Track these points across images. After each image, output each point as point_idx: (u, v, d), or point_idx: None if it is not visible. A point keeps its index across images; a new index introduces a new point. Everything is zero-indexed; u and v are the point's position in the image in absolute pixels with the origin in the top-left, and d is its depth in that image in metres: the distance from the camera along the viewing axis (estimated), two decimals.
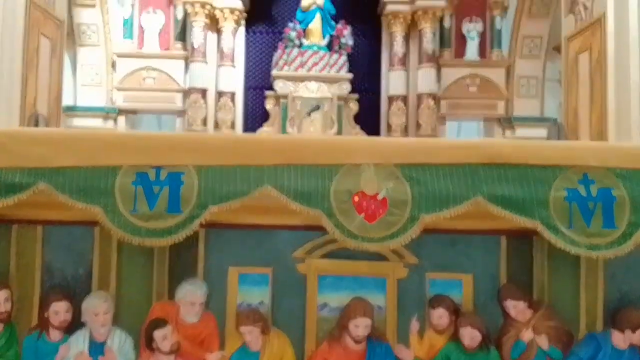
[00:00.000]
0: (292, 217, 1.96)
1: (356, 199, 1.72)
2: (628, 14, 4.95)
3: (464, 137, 9.42)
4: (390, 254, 2.09)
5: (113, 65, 8.02)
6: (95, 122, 7.90)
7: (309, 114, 6.24)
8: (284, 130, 7.97)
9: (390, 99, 8.29)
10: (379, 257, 2.10)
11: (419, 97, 8.14)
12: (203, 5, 7.82)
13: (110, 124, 8.00)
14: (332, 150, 1.65)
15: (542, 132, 7.96)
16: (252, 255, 2.23)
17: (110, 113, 7.99)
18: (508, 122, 8.27)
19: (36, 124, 3.97)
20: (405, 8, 8.08)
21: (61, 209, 1.91)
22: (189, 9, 7.86)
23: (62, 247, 2.24)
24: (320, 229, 1.93)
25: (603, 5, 5.21)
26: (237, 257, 2.24)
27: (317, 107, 6.47)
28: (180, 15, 8.12)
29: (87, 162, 1.73)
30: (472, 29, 8.40)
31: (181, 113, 8.15)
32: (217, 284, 2.23)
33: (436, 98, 8.17)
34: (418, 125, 8.11)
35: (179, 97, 8.10)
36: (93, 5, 7.70)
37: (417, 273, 2.17)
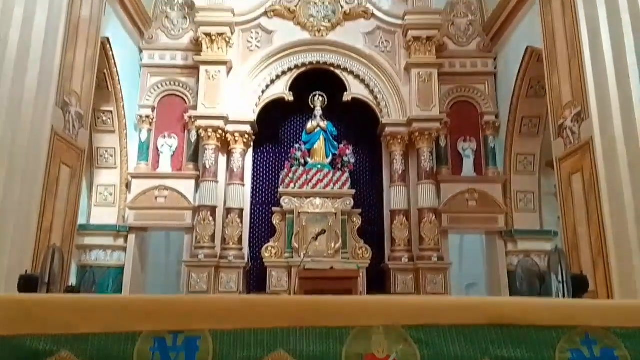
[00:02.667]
0: None
1: None
2: (615, 139, 5.20)
3: (466, 249, 9.55)
4: None
5: (127, 185, 8.38)
6: (107, 241, 8.07)
7: (315, 238, 6.45)
8: (289, 245, 8.13)
9: (393, 213, 8.52)
10: None
11: (420, 212, 8.37)
12: (215, 130, 8.36)
13: (120, 241, 8.17)
14: (344, 311, 1.73)
15: (543, 245, 8.07)
16: None
17: (121, 231, 8.19)
18: (509, 235, 8.41)
19: (52, 258, 4.09)
20: (402, 130, 8.61)
21: None
22: (202, 134, 8.39)
23: None
24: None
25: (589, 130, 5.53)
26: None
27: (323, 232, 6.70)
28: (193, 139, 8.64)
29: (110, 329, 1.75)
30: (467, 148, 8.88)
31: (190, 230, 8.35)
32: None
33: (437, 212, 8.40)
34: (421, 239, 8.26)
35: (188, 214, 8.35)
36: (113, 131, 8.24)
37: None
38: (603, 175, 5.29)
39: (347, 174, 8.67)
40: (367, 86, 8.92)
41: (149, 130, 8.73)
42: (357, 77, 8.96)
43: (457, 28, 9.29)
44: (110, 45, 7.57)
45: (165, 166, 8.63)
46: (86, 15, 6.25)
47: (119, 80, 7.93)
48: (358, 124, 9.39)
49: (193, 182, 8.50)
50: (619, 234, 5.03)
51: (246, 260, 8.35)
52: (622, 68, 5.25)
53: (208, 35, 8.59)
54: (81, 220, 7.24)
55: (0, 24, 5.20)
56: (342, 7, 9.01)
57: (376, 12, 9.04)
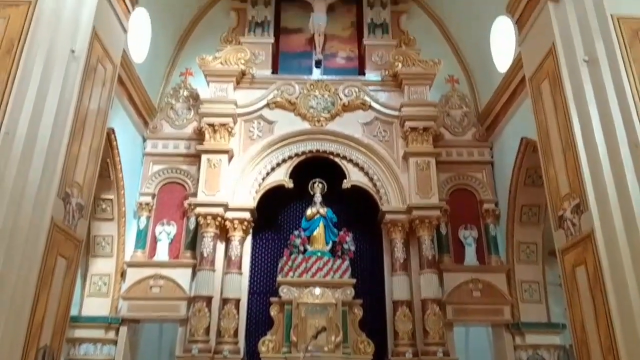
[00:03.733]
0: None
1: None
2: (616, 231, 5.15)
3: (473, 344, 9.15)
4: None
5: (122, 274, 8.22)
6: (97, 333, 7.77)
7: (315, 336, 6.22)
8: (287, 338, 7.79)
9: (395, 304, 8.26)
10: None
11: (424, 303, 8.12)
12: (215, 217, 8.34)
13: (111, 334, 7.86)
14: None
15: (552, 338, 7.78)
16: None
17: (112, 324, 7.90)
18: (516, 328, 8.11)
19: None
20: (402, 217, 8.59)
21: None
22: (201, 221, 8.36)
23: None
24: None
25: (589, 222, 5.48)
26: None
27: (324, 329, 6.48)
28: (192, 226, 8.60)
29: None
30: (468, 236, 8.82)
31: (184, 321, 8.06)
32: None
33: (441, 303, 8.15)
34: (425, 332, 7.94)
35: (183, 305, 8.10)
36: (111, 219, 8.22)
37: None
38: (607, 270, 5.18)
39: (347, 262, 8.54)
40: (366, 174, 9.03)
41: (148, 218, 8.72)
42: (356, 165, 9.11)
43: (453, 119, 9.60)
44: (115, 135, 7.77)
45: (162, 254, 8.52)
46: (94, 108, 6.43)
47: (121, 168, 8.05)
48: (358, 211, 9.40)
49: (190, 270, 8.34)
50: (628, 333, 4.83)
51: (242, 354, 7.98)
52: (616, 160, 5.32)
53: (211, 125, 8.85)
54: (73, 311, 6.98)
55: (9, 118, 5.33)
56: (341, 99, 9.36)
57: (373, 104, 9.37)
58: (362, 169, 9.05)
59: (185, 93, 9.60)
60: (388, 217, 8.68)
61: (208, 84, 9.21)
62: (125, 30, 7.04)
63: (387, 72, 9.56)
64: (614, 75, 5.56)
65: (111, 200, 8.21)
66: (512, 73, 8.09)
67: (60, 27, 5.86)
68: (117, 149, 7.87)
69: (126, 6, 7.00)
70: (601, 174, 5.39)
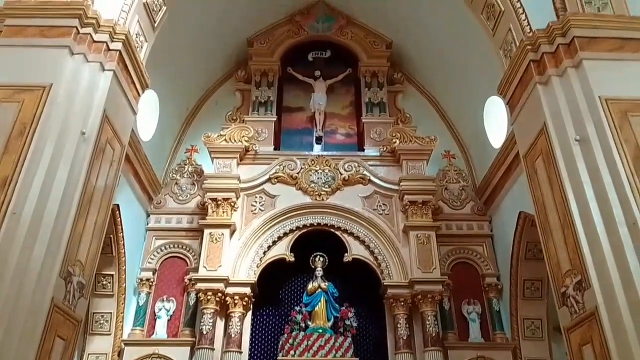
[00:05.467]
0: None
1: None
2: (620, 309, 5.11)
3: None
4: None
5: (119, 353, 8.02)
6: None
7: None
8: None
9: None
10: None
11: None
12: (215, 293, 8.27)
13: None
14: None
15: None
16: None
17: None
18: None
19: None
20: (405, 292, 8.51)
21: None
22: (202, 297, 8.28)
23: None
24: None
25: (593, 300, 5.44)
26: None
27: None
28: (192, 302, 8.51)
29: None
30: (471, 311, 8.70)
31: None
32: None
33: None
34: None
35: None
36: (111, 295, 8.15)
37: None
38: (614, 349, 5.09)
39: (349, 339, 8.35)
40: (367, 247, 9.05)
41: (148, 294, 8.66)
42: (357, 238, 9.15)
43: (451, 193, 9.77)
44: (119, 211, 7.88)
45: (160, 331, 8.36)
46: (101, 187, 6.57)
47: (123, 244, 8.10)
48: (359, 285, 9.31)
49: (188, 349, 8.15)
50: None
51: None
52: (615, 239, 5.37)
53: (214, 200, 8.99)
54: None
55: (17, 198, 5.43)
56: (341, 174, 9.57)
57: (373, 179, 9.57)
58: (363, 242, 9.08)
59: (190, 169, 9.84)
60: (390, 291, 8.60)
61: (212, 160, 9.47)
62: (134, 112, 7.35)
63: (385, 148, 9.84)
64: (606, 155, 5.74)
65: (112, 276, 8.19)
66: (507, 149, 8.35)
67: (72, 110, 6.08)
68: (121, 224, 7.96)
69: (136, 89, 7.34)
70: (601, 252, 5.42)
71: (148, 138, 9.13)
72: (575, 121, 6.12)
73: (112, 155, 6.76)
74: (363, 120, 10.49)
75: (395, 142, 9.60)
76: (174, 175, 9.81)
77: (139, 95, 7.46)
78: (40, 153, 5.64)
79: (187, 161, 9.95)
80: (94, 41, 6.54)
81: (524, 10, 6.99)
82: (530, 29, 6.82)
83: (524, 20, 6.96)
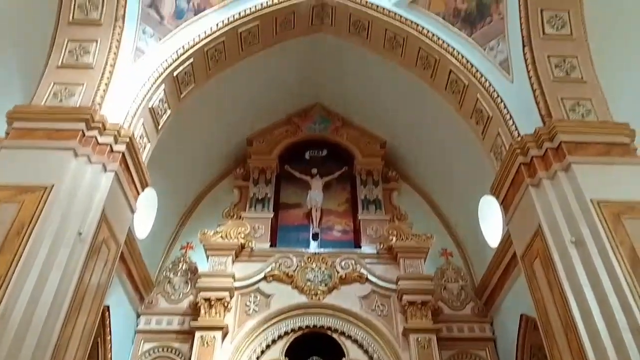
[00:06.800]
0: None
1: None
2: None
3: None
4: None
5: None
6: None
7: None
8: None
9: None
10: None
11: None
12: None
13: None
14: None
15: None
16: None
17: None
18: None
19: None
20: None
21: None
22: None
23: None
24: None
25: None
26: None
27: None
28: None
29: None
30: None
31: None
32: None
33: None
34: None
35: None
36: None
37: None
38: None
39: None
40: (366, 352, 8.69)
41: None
42: (355, 341, 8.81)
43: (450, 292, 9.59)
44: (109, 312, 7.63)
45: None
46: (93, 288, 6.38)
47: (110, 348, 7.75)
48: None
49: None
50: None
51: None
52: (621, 346, 5.20)
53: (207, 300, 8.76)
54: None
55: (7, 301, 5.25)
56: (338, 272, 9.44)
57: (370, 277, 9.43)
58: (361, 346, 8.73)
59: (184, 267, 9.71)
60: None
61: (207, 258, 9.37)
62: (133, 211, 7.38)
63: (382, 246, 9.81)
64: (603, 257, 5.69)
65: None
66: (504, 248, 8.33)
67: (71, 211, 6.06)
68: (110, 327, 7.66)
69: (136, 189, 7.43)
70: (606, 357, 5.24)
71: (144, 236, 9.09)
72: (570, 223, 6.15)
73: (107, 255, 6.67)
74: (359, 218, 10.56)
75: (392, 239, 9.60)
76: (168, 273, 9.64)
77: (138, 194, 7.53)
78: (35, 254, 5.53)
79: (182, 259, 9.84)
80: (99, 143, 6.69)
81: (511, 116, 7.32)
82: (519, 133, 7.09)
83: (511, 125, 7.26)
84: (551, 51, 7.40)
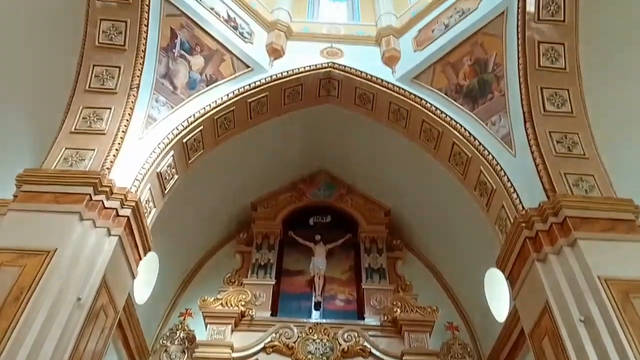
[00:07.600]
0: None
1: None
2: None
3: None
4: None
5: None
6: None
7: None
8: None
9: None
10: None
11: None
12: None
13: None
14: None
15: None
16: None
17: None
18: None
19: None
20: None
21: None
22: None
23: None
24: None
25: None
26: None
27: None
28: None
29: None
30: None
31: None
32: None
33: None
34: None
35: None
36: None
37: None
38: None
39: None
40: None
41: None
42: None
43: None
44: None
45: None
46: (88, 355, 6.22)
47: None
48: None
49: None
50: None
51: None
52: None
53: None
54: None
55: None
56: (340, 345, 9.14)
57: (374, 351, 9.11)
58: None
59: (182, 334, 9.40)
60: None
61: (206, 326, 9.13)
62: (134, 277, 7.30)
63: (386, 317, 9.56)
64: (612, 337, 5.53)
65: None
66: (511, 324, 8.11)
67: (72, 276, 5.97)
68: None
69: (139, 253, 7.38)
70: None
71: (143, 301, 8.93)
72: (578, 301, 6.01)
73: (104, 322, 6.53)
74: (363, 287, 10.36)
75: (397, 311, 9.36)
76: (164, 341, 9.33)
77: (140, 258, 7.47)
78: (31, 321, 5.40)
79: (180, 326, 9.56)
80: (105, 207, 6.71)
81: (515, 189, 7.35)
82: (523, 207, 7.08)
83: (515, 198, 7.27)
84: (552, 127, 7.54)
